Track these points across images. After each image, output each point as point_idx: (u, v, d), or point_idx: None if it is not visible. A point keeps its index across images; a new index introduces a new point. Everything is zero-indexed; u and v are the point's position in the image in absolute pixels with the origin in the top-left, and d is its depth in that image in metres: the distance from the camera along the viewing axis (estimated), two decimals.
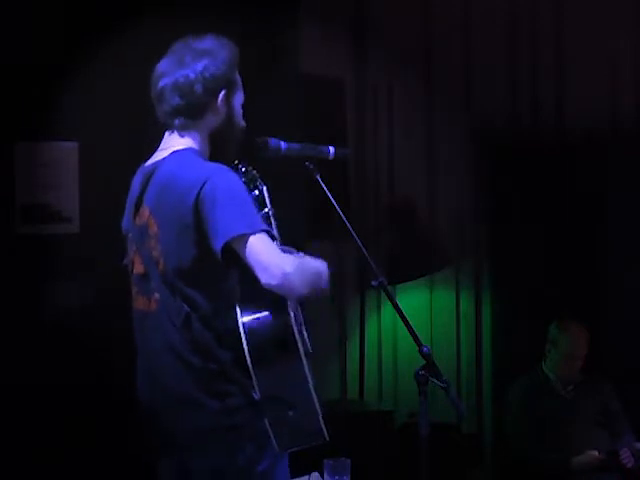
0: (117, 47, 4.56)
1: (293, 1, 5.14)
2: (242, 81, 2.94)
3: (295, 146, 2.98)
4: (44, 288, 4.68)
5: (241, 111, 2.93)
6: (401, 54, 5.70)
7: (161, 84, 2.84)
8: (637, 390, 5.29)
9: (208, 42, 2.86)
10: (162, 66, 2.87)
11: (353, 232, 2.93)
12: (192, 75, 2.81)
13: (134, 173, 2.95)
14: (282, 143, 2.96)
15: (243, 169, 2.92)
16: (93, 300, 4.63)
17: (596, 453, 4.95)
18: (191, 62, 2.82)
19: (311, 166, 2.97)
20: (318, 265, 2.78)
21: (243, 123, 2.94)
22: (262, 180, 2.99)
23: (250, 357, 2.67)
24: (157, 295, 2.80)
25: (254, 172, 2.96)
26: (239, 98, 2.92)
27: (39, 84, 4.58)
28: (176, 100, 2.83)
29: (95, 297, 4.63)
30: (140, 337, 2.89)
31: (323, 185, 2.94)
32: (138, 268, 2.87)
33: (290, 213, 4.68)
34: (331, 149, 3.03)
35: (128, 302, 2.95)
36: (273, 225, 2.92)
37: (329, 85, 5.48)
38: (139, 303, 2.88)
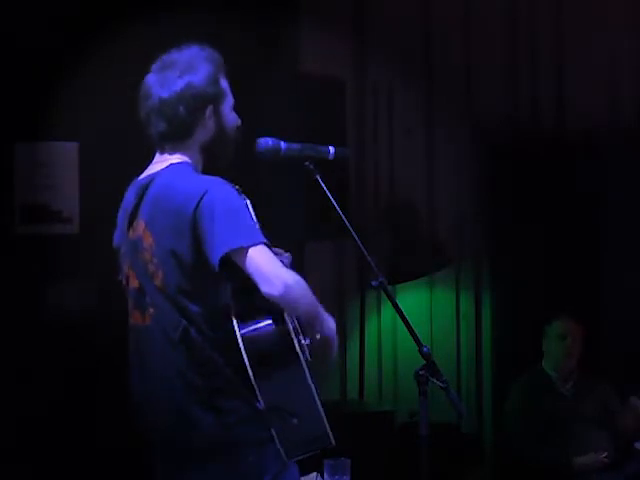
0: (117, 47, 4.56)
1: (293, 1, 5.14)
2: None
3: (295, 146, 2.97)
4: (44, 288, 4.68)
5: (233, 114, 2.89)
6: (401, 54, 5.70)
7: (146, 109, 2.82)
8: (637, 390, 5.29)
9: (189, 54, 2.82)
10: (146, 85, 2.83)
11: (353, 232, 2.92)
12: (174, 97, 2.78)
13: (134, 174, 2.93)
14: (282, 143, 2.95)
15: None
16: (93, 300, 4.63)
17: (599, 455, 4.96)
18: (172, 82, 2.78)
19: (311, 166, 2.96)
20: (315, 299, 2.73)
21: (238, 121, 2.91)
22: (245, 194, 2.95)
23: (251, 368, 2.66)
24: (152, 310, 2.77)
25: (236, 187, 2.95)
26: (228, 105, 2.88)
27: (39, 84, 4.58)
28: (162, 126, 2.81)
29: (95, 297, 4.63)
30: (135, 352, 2.86)
31: (323, 185, 2.93)
32: (133, 282, 2.83)
33: (290, 213, 4.70)
34: (331, 149, 3.02)
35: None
36: None
37: (329, 85, 5.47)
38: (134, 318, 2.85)
